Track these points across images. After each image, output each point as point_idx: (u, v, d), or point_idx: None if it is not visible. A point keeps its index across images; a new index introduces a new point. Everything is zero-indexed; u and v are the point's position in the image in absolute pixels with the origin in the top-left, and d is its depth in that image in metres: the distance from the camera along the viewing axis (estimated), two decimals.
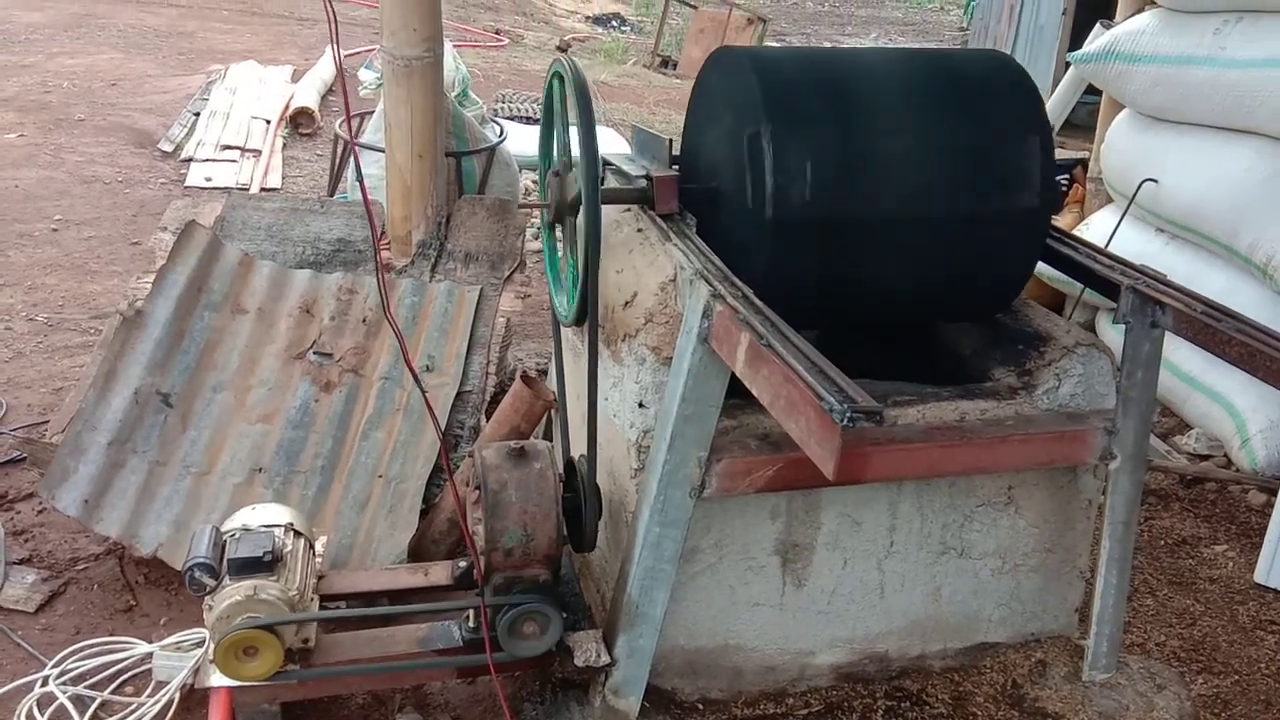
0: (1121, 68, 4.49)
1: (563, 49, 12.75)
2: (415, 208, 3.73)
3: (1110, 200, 4.82)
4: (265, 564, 2.22)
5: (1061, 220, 5.12)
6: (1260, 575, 3.26)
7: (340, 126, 5.25)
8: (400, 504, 3.04)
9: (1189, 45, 4.16)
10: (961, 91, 2.53)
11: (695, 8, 12.97)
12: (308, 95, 8.02)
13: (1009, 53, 11.14)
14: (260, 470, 3.08)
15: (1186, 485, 3.81)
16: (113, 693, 2.59)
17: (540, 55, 11.69)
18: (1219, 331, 2.13)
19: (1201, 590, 3.23)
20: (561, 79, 2.44)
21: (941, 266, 2.51)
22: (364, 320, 3.45)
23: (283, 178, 6.81)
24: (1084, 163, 5.39)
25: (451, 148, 4.15)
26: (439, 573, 2.59)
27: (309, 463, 3.12)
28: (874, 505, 2.51)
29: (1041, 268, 2.71)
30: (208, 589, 2.21)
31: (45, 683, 2.58)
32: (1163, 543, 3.48)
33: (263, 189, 6.50)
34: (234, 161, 6.89)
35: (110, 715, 2.53)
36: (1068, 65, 5.67)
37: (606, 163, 2.82)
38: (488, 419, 3.18)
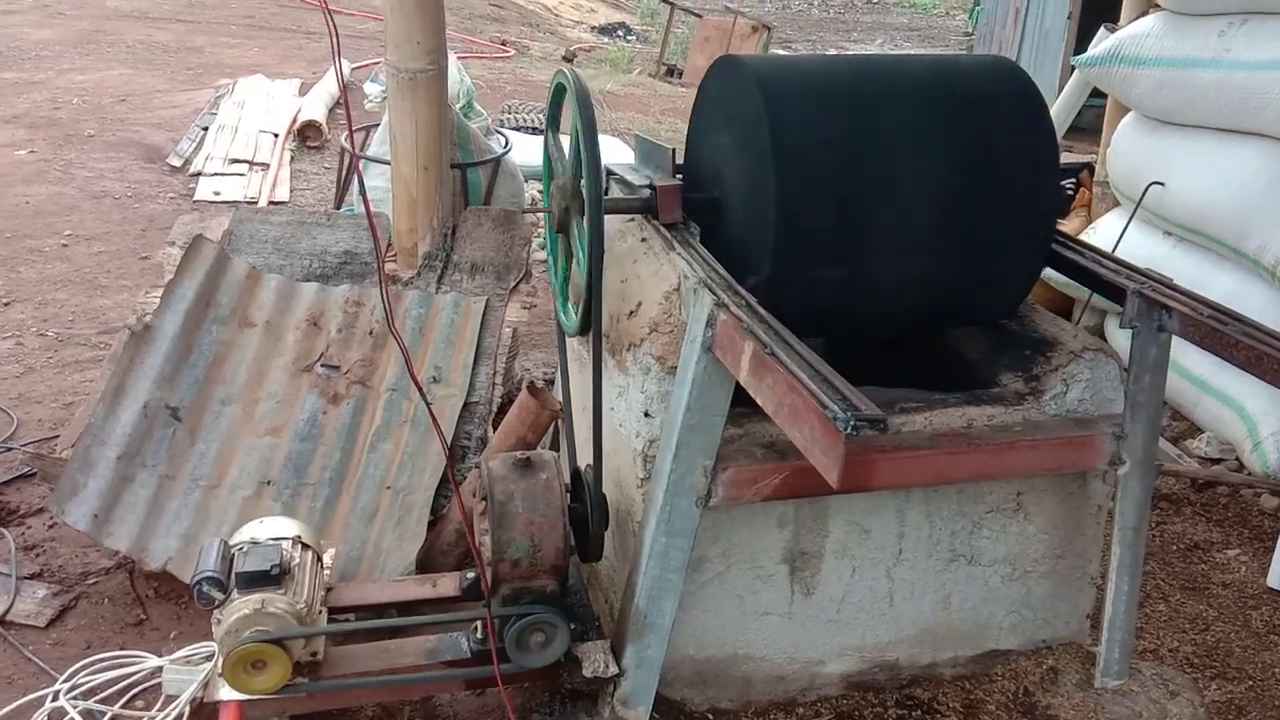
0: (1126, 71, 4.48)
1: (569, 59, 12.80)
2: (421, 219, 3.74)
3: (1117, 204, 4.80)
4: (273, 577, 2.22)
5: (1068, 224, 5.11)
6: (1274, 580, 3.24)
7: (346, 139, 5.26)
8: (408, 515, 3.05)
9: (1194, 48, 4.15)
10: (966, 98, 2.52)
11: (700, 16, 12.99)
12: (315, 108, 8.06)
13: (1015, 57, 11.15)
14: (269, 483, 3.09)
15: (1198, 489, 3.79)
16: (123, 707, 2.59)
17: (546, 65, 11.72)
18: (1225, 335, 2.12)
19: (1214, 595, 3.21)
20: (564, 90, 2.44)
21: (947, 275, 2.50)
22: (371, 332, 3.46)
23: (291, 191, 6.85)
24: (1090, 166, 5.37)
25: (456, 159, 4.17)
26: (447, 584, 2.59)
27: (317, 475, 3.12)
28: (882, 513, 2.50)
29: (1049, 272, 2.70)
30: (215, 603, 2.21)
31: (56, 697, 2.58)
32: (1175, 548, 3.46)
33: (271, 202, 6.53)
34: (242, 175, 6.93)
35: None
36: (1073, 69, 5.66)
37: (610, 172, 2.82)
38: (495, 429, 3.18)
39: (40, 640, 2.82)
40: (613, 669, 2.35)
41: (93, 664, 2.68)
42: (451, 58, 4.33)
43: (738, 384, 2.06)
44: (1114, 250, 4.19)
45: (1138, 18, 4.72)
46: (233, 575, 2.23)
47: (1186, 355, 4.00)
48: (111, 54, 10.08)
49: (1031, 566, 2.65)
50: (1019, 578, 2.66)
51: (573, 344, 2.79)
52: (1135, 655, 2.64)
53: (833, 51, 16.00)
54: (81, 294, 5.05)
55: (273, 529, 2.38)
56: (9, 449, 3.67)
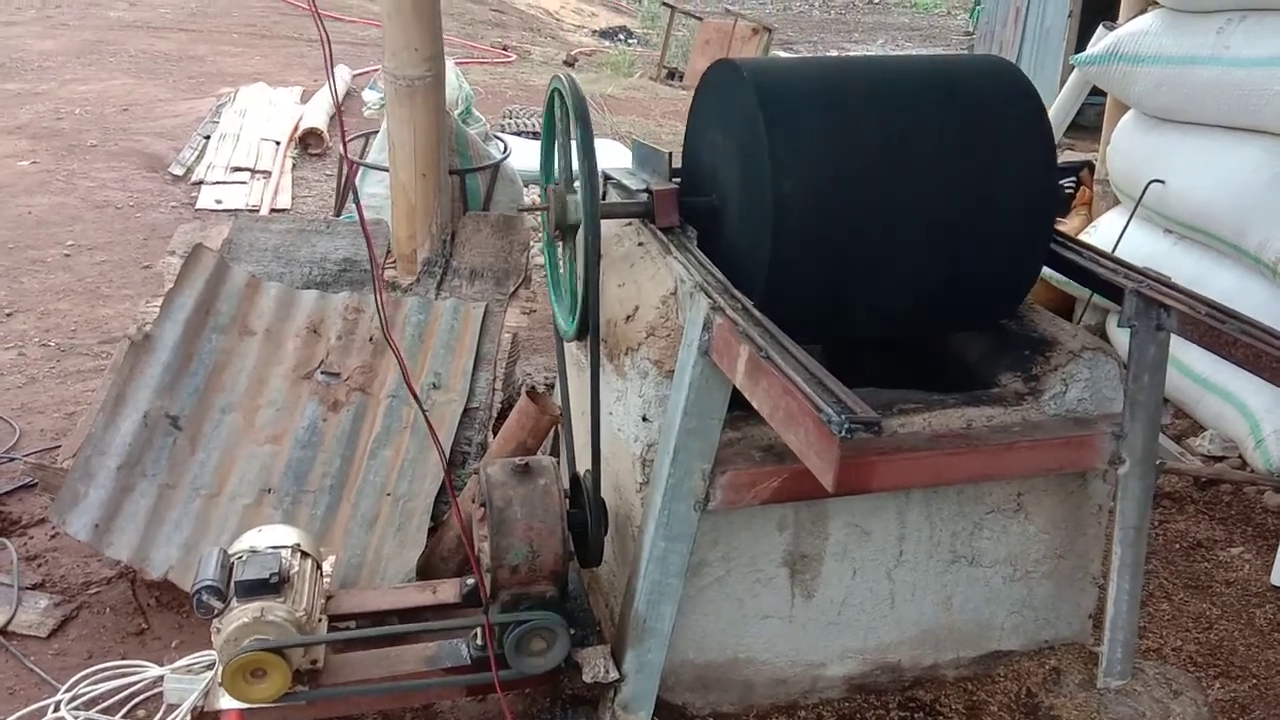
0: (1125, 69, 4.47)
1: (570, 63, 12.81)
2: (420, 226, 3.74)
3: (1118, 202, 4.79)
4: (272, 586, 2.22)
5: (1069, 223, 5.10)
6: (1277, 577, 3.22)
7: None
8: (408, 522, 3.05)
9: (1193, 45, 4.14)
10: (963, 100, 2.51)
11: (701, 19, 13.00)
12: (316, 116, 8.07)
13: (1015, 57, 11.13)
14: (269, 491, 3.09)
15: (1201, 487, 3.78)
16: (125, 716, 2.60)
17: (547, 70, 11.73)
18: (1224, 333, 2.11)
19: (1218, 593, 3.20)
20: (561, 95, 2.44)
21: (945, 277, 2.49)
22: (370, 339, 3.47)
23: (292, 198, 6.86)
24: (1090, 165, 5.36)
25: (455, 165, 4.17)
26: (447, 590, 2.59)
27: (317, 482, 3.13)
28: (882, 514, 2.50)
29: (1049, 272, 2.70)
30: (214, 612, 2.21)
31: (58, 707, 2.60)
32: (1178, 546, 3.45)
33: (272, 210, 6.54)
34: (244, 183, 6.95)
35: None
36: (1074, 67, 5.65)
37: (607, 177, 2.82)
38: (495, 435, 3.18)
39: (42, 650, 2.83)
40: (613, 674, 2.34)
41: (94, 674, 2.69)
42: (449, 64, 4.33)
43: (735, 388, 2.06)
44: (1114, 248, 4.18)
45: (1136, 15, 4.72)
46: (232, 584, 2.23)
47: (1187, 353, 3.99)
48: (114, 64, 10.12)
49: (1033, 567, 2.65)
50: (1020, 578, 2.65)
51: (571, 349, 2.79)
52: (1138, 655, 2.63)
53: (834, 53, 16.00)
54: (84, 304, 5.06)
55: (272, 537, 2.38)
56: (11, 459, 3.68)
